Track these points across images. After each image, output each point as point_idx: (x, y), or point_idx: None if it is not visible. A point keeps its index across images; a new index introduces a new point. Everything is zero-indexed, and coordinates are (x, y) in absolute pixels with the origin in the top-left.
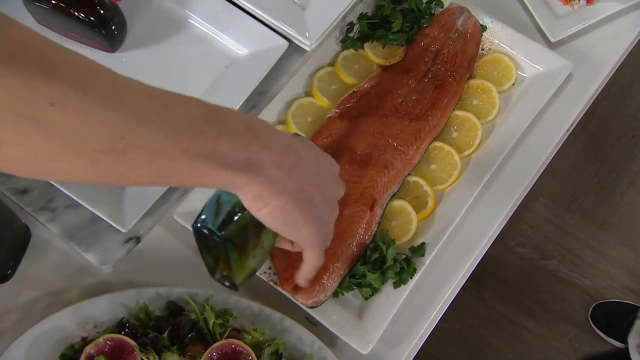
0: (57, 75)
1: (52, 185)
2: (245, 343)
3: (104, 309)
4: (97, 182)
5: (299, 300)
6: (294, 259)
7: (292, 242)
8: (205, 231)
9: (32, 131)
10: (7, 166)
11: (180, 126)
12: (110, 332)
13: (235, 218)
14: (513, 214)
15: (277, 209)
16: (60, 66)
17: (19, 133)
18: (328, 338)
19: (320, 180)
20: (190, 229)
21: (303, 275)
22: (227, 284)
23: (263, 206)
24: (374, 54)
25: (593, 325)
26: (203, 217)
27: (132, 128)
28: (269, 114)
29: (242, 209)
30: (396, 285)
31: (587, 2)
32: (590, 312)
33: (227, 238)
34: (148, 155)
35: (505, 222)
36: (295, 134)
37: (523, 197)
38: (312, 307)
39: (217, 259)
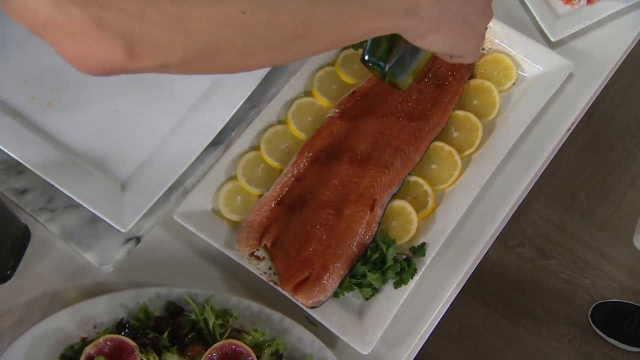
0: None
1: (52, 185)
2: (245, 343)
3: (103, 309)
4: (283, 63)
5: (299, 301)
6: (294, 259)
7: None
8: (372, 61)
9: (234, 39)
10: (215, 72)
11: None
12: (110, 333)
13: (397, 48)
14: (513, 214)
15: (439, 38)
16: None
17: (224, 44)
18: (328, 338)
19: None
20: (191, 229)
21: (453, 60)
22: (396, 88)
23: (424, 38)
24: None
25: (593, 325)
26: (368, 51)
27: (309, 11)
28: (269, 113)
29: (400, 37)
30: (397, 285)
31: (587, 2)
32: (590, 312)
33: (392, 63)
34: (326, 29)
35: (505, 222)
36: None
37: (523, 197)
38: (312, 308)
39: (384, 74)
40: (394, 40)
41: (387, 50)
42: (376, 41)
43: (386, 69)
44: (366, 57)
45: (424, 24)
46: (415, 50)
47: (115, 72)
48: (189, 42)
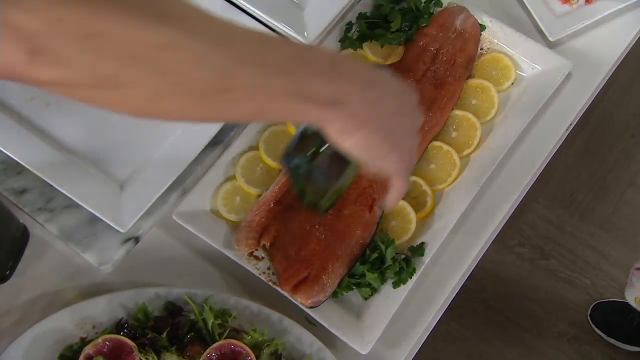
0: (169, 19)
1: (51, 185)
2: (245, 343)
3: (102, 309)
4: (199, 121)
5: (298, 301)
6: (293, 259)
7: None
8: (295, 164)
9: (147, 73)
10: (122, 109)
11: (276, 66)
12: (109, 333)
13: (322, 150)
14: (512, 213)
15: (362, 140)
16: (172, 10)
17: (136, 75)
18: (327, 338)
19: (400, 112)
20: (190, 229)
21: (391, 201)
22: (315, 209)
23: (348, 138)
24: (372, 54)
25: (592, 325)
26: (292, 150)
27: (234, 69)
28: None
29: (325, 141)
30: (395, 285)
31: (585, 2)
32: (589, 311)
33: (315, 169)
34: (247, 94)
35: (504, 222)
36: (376, 65)
37: (522, 196)
38: (311, 307)
39: (305, 186)
40: (320, 143)
41: (313, 153)
42: (303, 140)
43: (310, 169)
44: (287, 155)
45: (348, 120)
46: (342, 161)
47: (13, 77)
48: (99, 63)
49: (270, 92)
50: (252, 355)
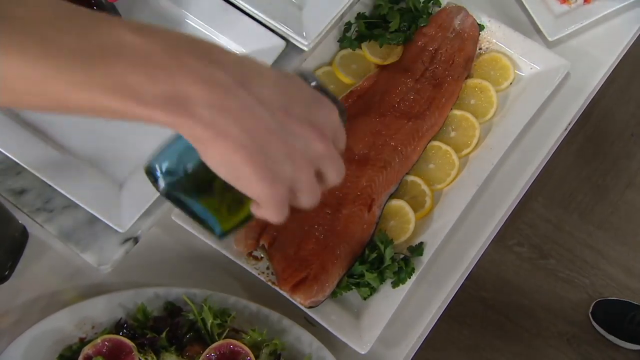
0: None
1: (50, 186)
2: (244, 343)
3: (102, 309)
4: None
5: (297, 300)
6: (292, 259)
7: None
8: (156, 177)
9: None
10: None
11: (71, 52)
12: (108, 333)
13: (194, 162)
14: (511, 213)
15: (221, 156)
16: None
17: None
18: (327, 338)
19: (284, 130)
20: (189, 229)
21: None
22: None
23: (204, 149)
24: (371, 54)
25: (593, 322)
26: (156, 156)
27: (16, 61)
28: None
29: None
30: (394, 285)
31: (584, 1)
32: (591, 309)
33: (179, 186)
34: (30, 84)
35: (503, 222)
36: (300, 73)
37: (521, 196)
38: (310, 307)
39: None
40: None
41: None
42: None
43: (160, 186)
44: (151, 161)
45: (198, 126)
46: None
47: None
48: None
49: (63, 84)
50: (252, 355)
